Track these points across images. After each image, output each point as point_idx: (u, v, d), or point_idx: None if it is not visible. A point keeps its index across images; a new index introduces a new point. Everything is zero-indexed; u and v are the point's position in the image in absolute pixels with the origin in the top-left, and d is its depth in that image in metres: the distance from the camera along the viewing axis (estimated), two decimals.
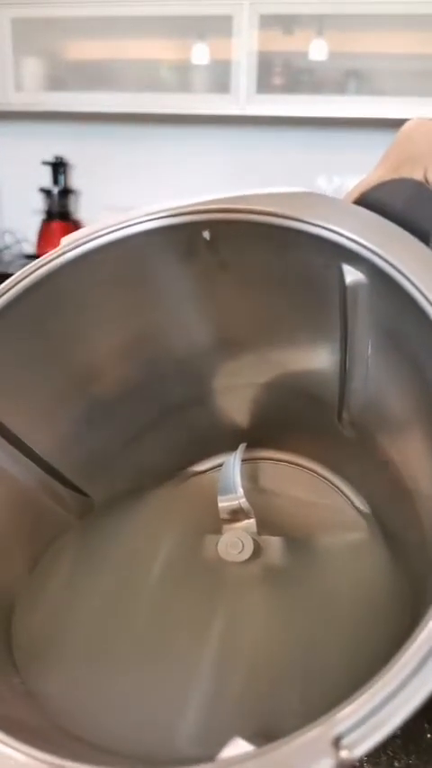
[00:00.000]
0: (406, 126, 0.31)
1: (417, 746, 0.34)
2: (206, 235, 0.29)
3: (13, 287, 0.28)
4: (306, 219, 0.26)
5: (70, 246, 0.29)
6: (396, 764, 0.33)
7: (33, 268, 0.29)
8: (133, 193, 2.08)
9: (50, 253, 0.29)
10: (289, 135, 1.93)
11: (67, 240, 0.29)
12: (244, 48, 1.69)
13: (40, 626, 0.31)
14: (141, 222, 0.29)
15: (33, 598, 0.32)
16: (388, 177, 0.31)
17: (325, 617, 0.31)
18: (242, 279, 0.31)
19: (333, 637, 0.30)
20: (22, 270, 0.29)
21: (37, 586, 0.33)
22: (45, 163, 2.04)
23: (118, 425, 0.37)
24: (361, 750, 0.16)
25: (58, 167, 2.05)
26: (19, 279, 0.29)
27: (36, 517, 0.34)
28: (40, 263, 0.29)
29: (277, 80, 1.72)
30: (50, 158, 2.05)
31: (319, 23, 1.66)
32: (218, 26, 1.69)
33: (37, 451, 0.33)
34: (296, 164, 1.96)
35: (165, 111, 1.79)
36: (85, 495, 0.36)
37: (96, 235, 0.29)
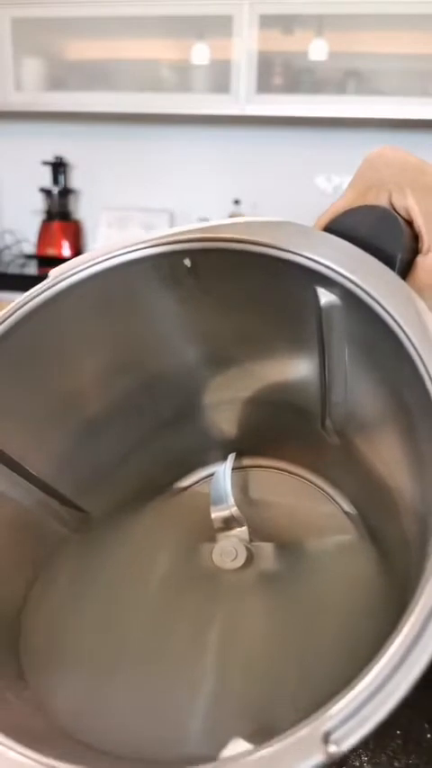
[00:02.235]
0: (369, 155, 0.33)
1: (417, 746, 0.34)
2: (187, 262, 0.31)
3: (6, 319, 0.31)
4: (281, 247, 0.28)
5: (58, 279, 0.31)
6: (396, 764, 0.34)
7: (25, 301, 0.31)
8: (133, 193, 2.08)
9: (40, 285, 0.31)
10: (289, 135, 1.94)
11: (55, 273, 0.31)
12: (244, 48, 1.69)
13: (45, 637, 0.32)
14: (126, 253, 0.31)
15: (36, 609, 0.33)
16: (355, 203, 0.33)
17: (317, 619, 0.32)
18: (224, 301, 0.33)
19: (325, 637, 0.31)
20: (14, 302, 0.31)
21: (39, 599, 0.34)
22: (45, 163, 2.04)
23: (111, 443, 0.38)
24: (348, 744, 0.18)
25: (58, 167, 2.05)
26: (12, 311, 0.31)
27: (36, 535, 0.36)
28: (32, 296, 0.31)
29: (277, 80, 1.73)
30: (50, 158, 2.05)
31: (319, 23, 1.66)
32: (218, 26, 1.69)
33: (34, 472, 0.34)
34: (296, 164, 1.96)
35: (165, 111, 1.79)
36: (82, 510, 0.37)
37: (83, 267, 0.31)
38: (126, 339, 0.35)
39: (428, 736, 0.35)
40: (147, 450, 0.40)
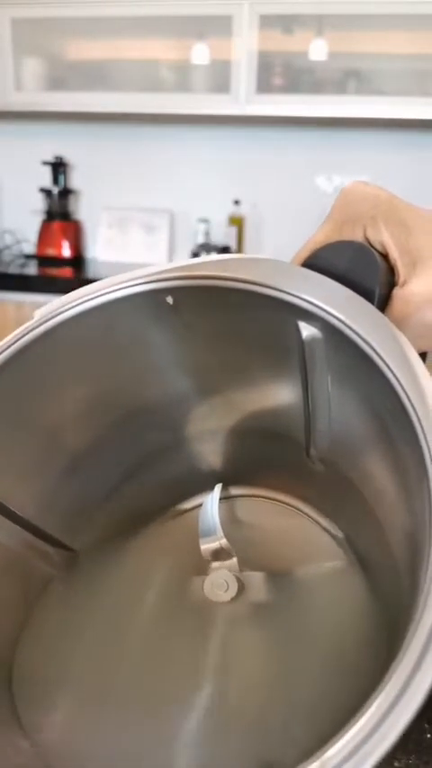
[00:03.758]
0: (344, 189, 0.34)
1: (417, 746, 0.34)
2: (169, 300, 0.31)
3: None
4: (263, 283, 0.29)
5: (44, 319, 0.31)
6: (396, 764, 0.33)
7: (9, 342, 0.31)
8: (133, 193, 2.08)
9: (26, 325, 0.31)
10: (289, 135, 1.94)
11: (39, 313, 0.32)
12: (244, 48, 1.69)
13: (37, 679, 0.32)
14: (108, 293, 0.31)
15: (27, 653, 0.33)
16: (333, 238, 0.34)
17: (308, 647, 0.33)
18: (207, 336, 0.34)
19: (317, 665, 0.31)
20: (0, 344, 0.31)
21: (30, 641, 0.34)
22: (45, 163, 2.04)
23: (97, 477, 0.39)
24: None
25: (58, 167, 2.05)
26: None
27: (23, 576, 0.36)
28: (18, 336, 0.31)
29: (277, 80, 1.73)
30: (50, 158, 2.05)
31: (319, 23, 1.66)
32: (218, 26, 1.69)
33: (18, 513, 0.34)
34: (296, 164, 1.96)
35: (165, 111, 1.79)
36: (69, 549, 0.37)
37: (67, 307, 0.31)
38: (111, 374, 0.36)
39: (428, 736, 0.35)
40: (134, 483, 0.40)
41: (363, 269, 0.31)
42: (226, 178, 2.02)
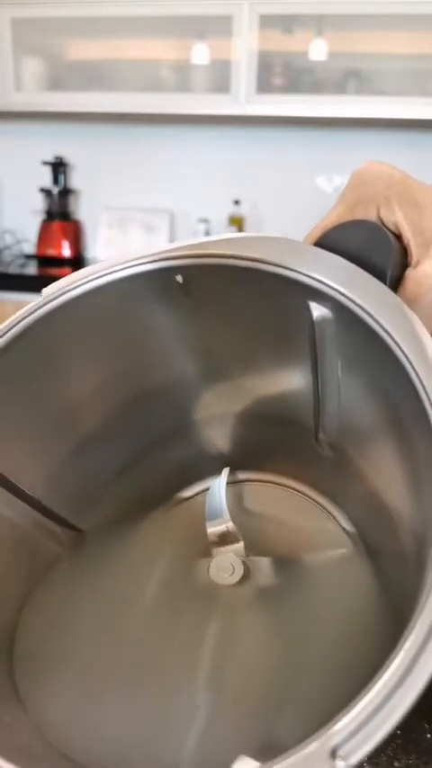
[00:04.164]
0: (358, 169, 0.34)
1: (417, 746, 0.34)
2: (179, 279, 0.31)
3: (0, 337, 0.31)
4: (272, 262, 0.29)
5: (51, 296, 0.31)
6: (396, 764, 0.34)
7: (17, 319, 0.31)
8: (133, 193, 2.08)
9: (33, 303, 0.31)
10: (289, 135, 1.94)
11: (48, 290, 0.31)
12: (244, 48, 1.69)
13: (38, 655, 0.32)
14: (118, 270, 0.31)
15: (29, 629, 0.33)
16: (345, 218, 0.33)
17: (313, 634, 0.33)
18: (216, 316, 0.33)
19: (321, 652, 0.31)
20: (6, 322, 0.31)
21: (32, 618, 0.34)
22: (45, 163, 2.04)
23: (105, 460, 0.38)
24: (356, 758, 0.18)
25: (58, 167, 2.05)
26: (4, 331, 0.31)
27: (30, 554, 0.36)
28: (24, 314, 0.31)
29: (277, 80, 1.73)
30: (50, 158, 2.05)
31: (319, 23, 1.66)
32: (218, 26, 1.69)
33: (28, 491, 0.34)
34: (296, 164, 1.96)
35: (165, 111, 1.79)
36: (77, 529, 0.37)
37: (76, 284, 0.31)
38: (120, 355, 0.35)
39: (428, 736, 0.35)
40: (141, 465, 0.40)
41: (375, 249, 0.31)
42: (226, 178, 2.02)
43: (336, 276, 0.28)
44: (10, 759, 0.22)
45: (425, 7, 1.59)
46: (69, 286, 0.31)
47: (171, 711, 0.30)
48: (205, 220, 2.02)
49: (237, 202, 1.98)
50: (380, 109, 1.68)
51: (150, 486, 0.41)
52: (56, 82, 1.85)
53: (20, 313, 0.31)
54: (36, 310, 0.31)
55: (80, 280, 0.31)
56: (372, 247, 0.31)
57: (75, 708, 0.30)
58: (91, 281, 0.31)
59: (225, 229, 2.01)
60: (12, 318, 0.31)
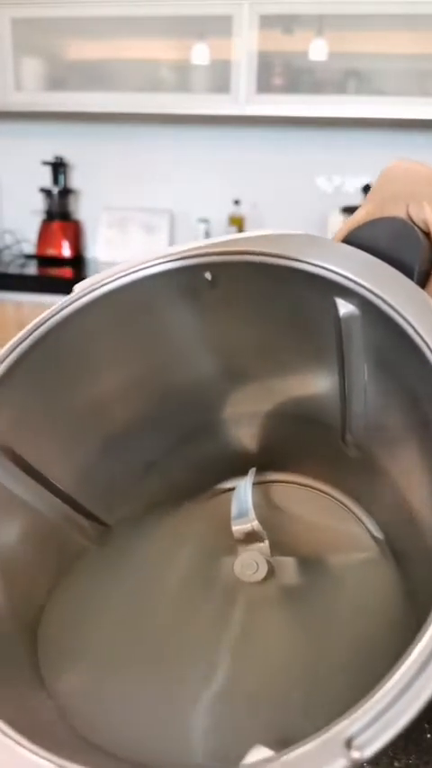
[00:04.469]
0: (387, 167, 0.35)
1: (417, 746, 0.34)
2: (207, 276, 0.31)
3: (32, 332, 0.31)
4: (299, 258, 0.28)
5: (82, 293, 0.31)
6: (396, 764, 0.34)
7: (51, 314, 0.31)
8: (133, 193, 2.08)
9: (66, 299, 0.32)
10: (289, 135, 1.94)
11: (79, 287, 0.32)
12: (244, 48, 1.69)
13: (62, 642, 0.33)
14: (147, 267, 0.31)
15: (54, 617, 0.34)
16: (374, 216, 0.33)
17: (334, 635, 0.32)
18: (243, 314, 0.33)
19: (342, 654, 0.31)
20: (37, 318, 0.31)
21: (57, 607, 0.34)
22: (45, 163, 2.04)
23: (132, 456, 0.39)
24: (371, 750, 0.18)
25: (58, 167, 2.05)
26: (38, 325, 0.31)
27: (57, 546, 0.36)
28: (57, 309, 0.31)
29: (277, 80, 1.73)
30: (50, 158, 2.05)
31: (319, 23, 1.66)
32: (218, 26, 1.69)
33: (58, 485, 0.34)
34: (296, 164, 1.96)
35: (164, 111, 1.79)
36: (103, 524, 0.38)
37: (107, 281, 0.31)
38: (148, 352, 0.35)
39: (428, 736, 0.35)
40: (168, 462, 0.40)
41: (403, 246, 0.31)
42: (226, 178, 2.02)
43: (363, 272, 0.27)
44: (34, 741, 0.22)
45: (425, 7, 1.59)
46: (98, 283, 0.31)
47: (188, 700, 0.30)
48: (205, 220, 2.02)
49: (237, 202, 1.98)
50: (380, 109, 1.68)
51: (177, 482, 0.41)
52: (56, 82, 1.85)
53: (53, 308, 0.31)
54: (69, 305, 0.31)
55: (110, 276, 0.31)
56: (400, 244, 0.31)
57: (95, 693, 0.30)
58: (121, 278, 0.31)
59: (225, 229, 2.01)
60: (42, 315, 0.31)
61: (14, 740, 0.22)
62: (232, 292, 0.32)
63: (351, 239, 0.33)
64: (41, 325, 0.31)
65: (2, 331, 1.75)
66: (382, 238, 0.31)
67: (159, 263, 0.31)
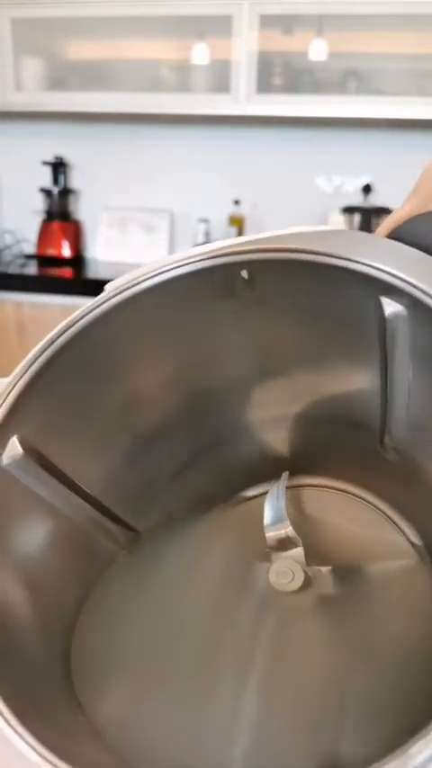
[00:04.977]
0: (429, 162, 0.32)
1: None
2: (244, 274, 0.30)
3: (63, 333, 0.30)
4: (341, 255, 0.27)
5: (114, 293, 0.31)
6: None
7: (81, 315, 0.30)
8: (133, 193, 2.08)
9: (96, 300, 0.31)
10: (289, 135, 1.94)
11: (111, 286, 0.31)
12: (244, 48, 1.69)
13: (94, 655, 0.32)
14: (180, 266, 0.30)
15: (87, 629, 0.33)
16: (419, 211, 0.32)
17: (374, 648, 0.31)
18: (280, 313, 0.32)
19: (382, 667, 0.30)
20: (68, 318, 0.31)
21: (90, 618, 0.33)
22: (45, 163, 2.04)
23: (162, 460, 0.38)
24: None
25: (58, 167, 2.05)
26: (68, 326, 0.30)
27: (87, 553, 0.35)
28: (88, 310, 0.31)
29: (277, 80, 1.73)
30: (50, 158, 2.05)
31: (319, 23, 1.66)
32: (218, 26, 1.69)
33: (87, 490, 0.34)
34: (296, 164, 1.96)
35: (165, 111, 1.79)
36: (133, 529, 0.37)
37: (138, 280, 0.31)
38: (179, 353, 0.35)
39: None
40: (199, 466, 0.39)
41: None
42: (226, 178, 2.02)
43: (411, 269, 0.26)
44: (70, 764, 0.21)
45: (425, 7, 1.59)
46: (130, 283, 0.30)
47: (224, 717, 0.29)
48: (205, 220, 2.02)
49: (237, 202, 1.98)
50: (380, 109, 1.68)
51: (208, 487, 0.40)
52: (56, 82, 1.85)
53: (84, 308, 0.31)
54: (100, 305, 0.30)
55: (144, 275, 0.30)
56: None
57: (129, 709, 0.30)
58: (153, 277, 0.30)
59: (225, 229, 2.01)
60: (74, 315, 0.31)
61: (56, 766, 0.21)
62: (270, 291, 0.31)
63: (396, 235, 0.31)
64: (73, 324, 0.30)
65: (2, 331, 1.75)
66: (429, 234, 0.30)
67: (194, 262, 0.30)
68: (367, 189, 1.88)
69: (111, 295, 0.30)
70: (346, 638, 0.32)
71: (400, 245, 0.27)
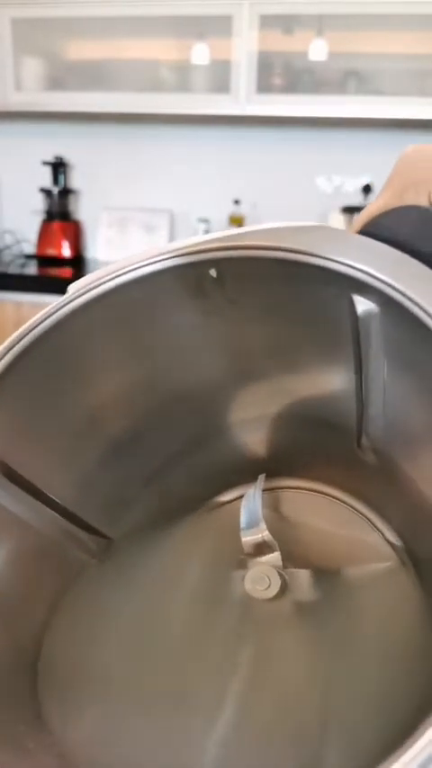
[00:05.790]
0: (405, 152, 0.31)
1: None
2: (213, 273, 0.29)
3: (24, 336, 0.29)
4: (312, 252, 0.26)
5: (77, 294, 0.29)
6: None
7: (43, 317, 0.29)
8: (133, 193, 2.08)
9: (58, 301, 0.29)
10: (289, 135, 1.94)
11: (74, 287, 0.29)
12: (244, 48, 1.69)
13: (63, 671, 0.31)
14: (147, 265, 0.29)
15: (56, 643, 0.32)
16: (393, 204, 0.31)
17: (356, 654, 0.31)
18: (251, 313, 0.31)
19: (364, 674, 0.29)
20: (30, 321, 0.29)
21: (59, 631, 0.32)
22: (45, 163, 2.04)
23: (135, 465, 0.37)
24: None
25: (58, 167, 2.05)
26: (30, 328, 0.29)
27: (57, 564, 0.34)
28: (48, 313, 0.29)
29: (277, 80, 1.72)
30: (50, 158, 2.05)
31: (319, 23, 1.66)
32: (218, 26, 1.69)
33: (54, 498, 0.33)
34: (296, 164, 1.96)
35: (165, 111, 1.79)
36: (105, 537, 0.36)
37: (102, 280, 0.29)
38: (149, 355, 0.33)
39: None
40: (173, 471, 0.38)
41: (427, 236, 0.28)
42: (226, 178, 2.01)
43: (383, 266, 0.25)
44: None
45: (425, 7, 1.59)
46: (97, 281, 0.29)
47: (200, 735, 0.28)
48: (205, 220, 2.02)
49: (237, 202, 1.98)
50: (380, 109, 1.68)
51: (182, 492, 0.39)
52: (56, 82, 1.85)
53: (46, 310, 0.29)
54: (63, 307, 0.29)
55: (108, 275, 0.29)
56: (424, 234, 0.29)
57: (99, 729, 0.28)
58: (118, 277, 0.29)
59: (225, 229, 2.00)
60: (36, 317, 0.29)
61: None
62: (241, 289, 0.30)
63: (369, 231, 0.30)
64: (33, 329, 0.29)
65: (1, 331, 1.75)
66: (403, 228, 0.29)
67: (160, 261, 0.29)
68: (367, 189, 1.88)
69: (72, 297, 0.29)
70: (325, 646, 0.32)
71: (371, 241, 0.27)
